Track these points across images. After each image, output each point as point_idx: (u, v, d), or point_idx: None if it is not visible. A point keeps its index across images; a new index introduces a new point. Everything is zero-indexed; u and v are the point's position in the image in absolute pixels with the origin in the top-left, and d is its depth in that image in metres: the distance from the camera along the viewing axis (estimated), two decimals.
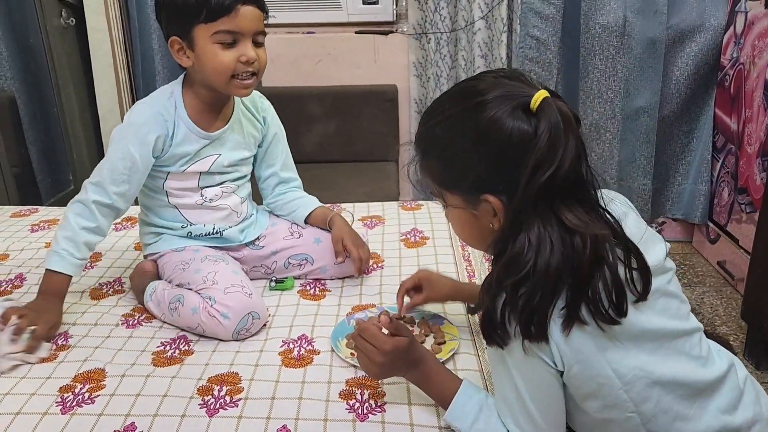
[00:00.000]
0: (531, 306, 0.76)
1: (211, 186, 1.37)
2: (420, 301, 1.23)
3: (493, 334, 0.80)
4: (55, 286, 1.25)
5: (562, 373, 0.81)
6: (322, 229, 1.46)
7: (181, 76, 1.34)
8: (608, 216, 0.81)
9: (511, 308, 0.78)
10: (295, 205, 1.49)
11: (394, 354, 0.95)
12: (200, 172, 1.35)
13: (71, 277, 1.26)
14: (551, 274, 0.76)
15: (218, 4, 1.19)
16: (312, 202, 1.50)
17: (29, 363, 1.14)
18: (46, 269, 1.25)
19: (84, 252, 1.27)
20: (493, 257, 0.85)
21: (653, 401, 0.81)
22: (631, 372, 0.80)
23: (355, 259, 1.38)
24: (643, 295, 0.80)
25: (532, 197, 0.76)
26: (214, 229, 1.39)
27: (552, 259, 0.76)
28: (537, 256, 0.76)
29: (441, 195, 0.89)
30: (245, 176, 1.44)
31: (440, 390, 0.95)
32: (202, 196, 1.37)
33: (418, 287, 1.24)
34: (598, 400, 0.82)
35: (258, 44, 1.26)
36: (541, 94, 0.78)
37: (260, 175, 1.51)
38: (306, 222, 1.48)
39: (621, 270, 0.78)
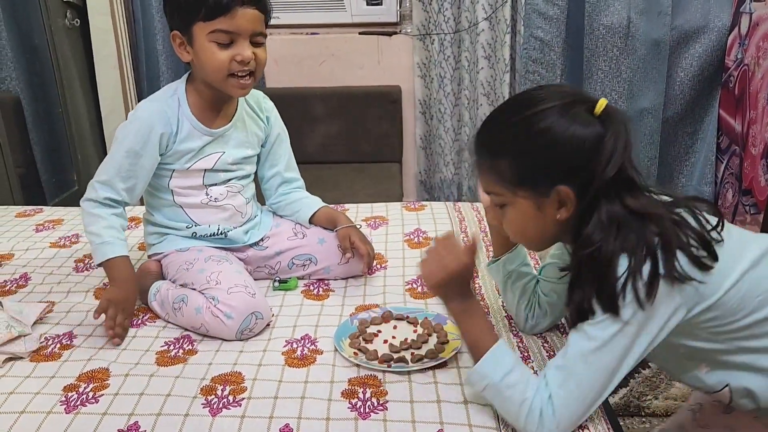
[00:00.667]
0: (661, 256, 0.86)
1: (216, 184, 1.38)
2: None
3: (609, 303, 0.87)
4: (123, 271, 1.27)
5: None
6: (326, 229, 1.46)
7: (185, 75, 1.35)
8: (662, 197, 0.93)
9: (636, 269, 0.85)
10: (299, 205, 1.50)
11: (463, 271, 0.98)
12: (205, 170, 1.35)
13: (128, 256, 1.29)
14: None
15: (216, 3, 1.20)
16: (316, 203, 1.50)
17: (20, 356, 1.15)
18: (103, 262, 1.26)
19: (123, 233, 1.30)
20: (572, 246, 0.94)
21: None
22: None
23: (364, 255, 1.39)
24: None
25: (604, 187, 0.88)
26: (218, 229, 1.40)
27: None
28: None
29: (506, 194, 0.95)
30: (249, 175, 1.45)
31: (478, 334, 0.98)
32: (207, 195, 1.37)
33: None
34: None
35: (257, 44, 1.27)
36: (603, 101, 0.90)
37: (263, 176, 1.51)
38: (310, 222, 1.48)
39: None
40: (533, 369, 1.08)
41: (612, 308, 0.86)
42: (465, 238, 1.63)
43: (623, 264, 0.86)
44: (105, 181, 1.29)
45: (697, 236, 0.89)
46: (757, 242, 0.97)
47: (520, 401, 0.89)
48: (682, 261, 0.87)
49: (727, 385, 0.97)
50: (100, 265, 1.27)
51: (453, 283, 1.00)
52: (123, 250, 1.27)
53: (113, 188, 1.29)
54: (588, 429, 0.95)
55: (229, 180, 1.39)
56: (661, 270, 0.85)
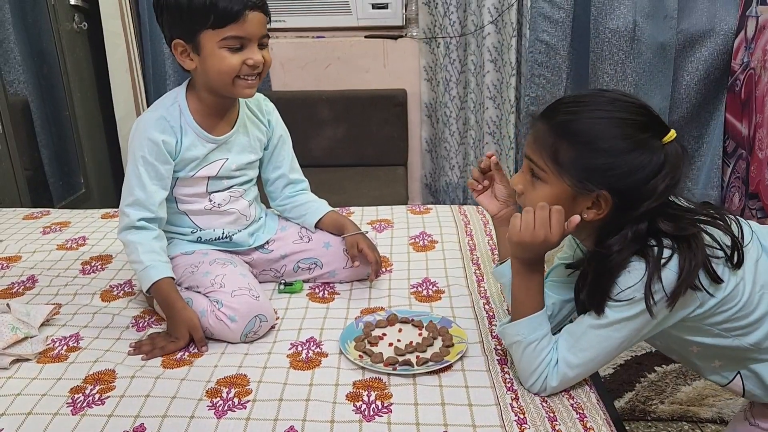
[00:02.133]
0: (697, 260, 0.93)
1: (218, 191, 1.38)
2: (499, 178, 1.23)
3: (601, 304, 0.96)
4: (170, 294, 1.23)
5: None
6: (331, 233, 1.47)
7: (185, 83, 1.35)
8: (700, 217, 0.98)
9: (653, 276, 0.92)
10: (305, 209, 1.50)
11: (550, 245, 1.00)
12: (208, 177, 1.35)
13: (173, 277, 1.26)
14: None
15: (227, 10, 1.20)
16: (322, 207, 1.50)
17: (27, 358, 1.16)
18: (150, 288, 1.23)
19: (164, 255, 1.28)
20: (589, 245, 1.01)
21: None
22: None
23: (372, 263, 1.39)
24: (737, 266, 0.96)
25: (642, 209, 0.93)
26: (223, 233, 1.40)
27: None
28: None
29: (551, 172, 0.98)
30: (252, 180, 1.45)
31: (530, 297, 1.04)
32: (210, 201, 1.37)
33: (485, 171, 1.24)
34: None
35: (262, 46, 1.28)
36: (672, 133, 0.96)
37: (267, 178, 1.51)
38: (316, 227, 1.48)
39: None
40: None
41: (601, 309, 0.96)
42: (490, 240, 1.65)
43: (638, 267, 0.93)
44: (133, 202, 1.27)
45: (723, 248, 0.96)
46: (755, 238, 1.01)
47: (536, 365, 1.01)
48: (701, 275, 0.93)
49: (738, 373, 1.03)
50: (148, 291, 1.25)
51: (533, 249, 1.01)
52: (167, 271, 1.25)
53: (143, 206, 1.27)
54: (593, 430, 0.95)
55: (232, 186, 1.40)
56: (684, 283, 0.92)
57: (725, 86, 2.58)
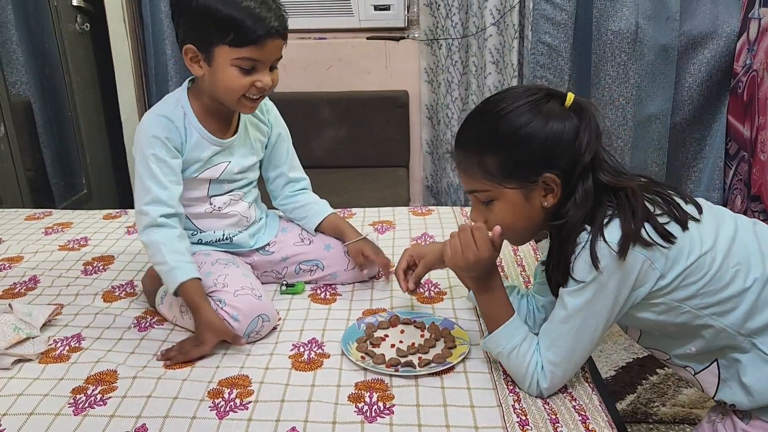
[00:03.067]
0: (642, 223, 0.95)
1: (219, 195, 1.37)
2: (421, 272, 1.26)
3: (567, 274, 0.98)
4: (195, 296, 1.19)
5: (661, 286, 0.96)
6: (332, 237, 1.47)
7: (185, 84, 1.33)
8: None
9: (596, 238, 0.94)
10: (306, 211, 1.49)
11: (486, 262, 1.03)
12: (210, 180, 1.35)
13: (200, 278, 1.23)
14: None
15: (250, 33, 1.17)
16: (322, 210, 1.49)
17: (29, 358, 1.16)
18: (177, 289, 1.20)
19: (189, 255, 1.24)
20: (554, 226, 1.01)
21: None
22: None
23: (382, 266, 1.41)
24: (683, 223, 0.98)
25: (581, 170, 0.97)
26: (224, 235, 1.40)
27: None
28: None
29: (494, 188, 1.01)
30: (253, 182, 1.45)
31: (496, 307, 1.06)
32: (210, 204, 1.37)
33: (412, 265, 1.27)
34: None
35: (272, 67, 1.26)
36: (571, 95, 0.99)
37: (268, 177, 1.50)
38: (316, 230, 1.48)
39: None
40: None
41: (567, 280, 0.98)
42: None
43: (584, 236, 0.95)
44: (151, 200, 1.24)
45: (667, 211, 0.98)
46: (733, 219, 1.03)
47: (524, 369, 1.02)
48: (649, 229, 0.95)
49: (715, 360, 1.01)
50: (175, 293, 1.21)
51: (475, 268, 1.04)
52: (193, 272, 1.21)
53: (162, 203, 1.24)
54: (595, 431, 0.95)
55: (233, 190, 1.39)
56: (630, 232, 0.93)
57: (727, 88, 2.58)
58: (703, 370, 1.03)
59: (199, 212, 1.37)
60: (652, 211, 0.97)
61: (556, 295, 1.05)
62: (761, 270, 0.97)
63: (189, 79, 1.33)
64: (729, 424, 1.03)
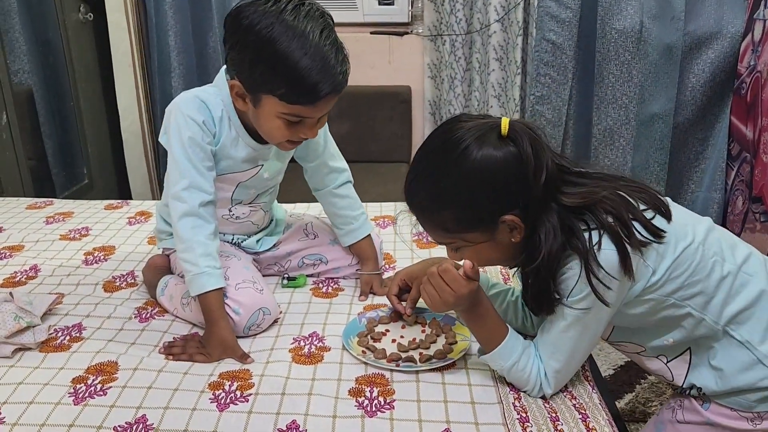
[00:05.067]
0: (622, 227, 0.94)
1: (241, 203, 1.33)
2: (415, 296, 1.23)
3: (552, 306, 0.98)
4: (215, 308, 1.16)
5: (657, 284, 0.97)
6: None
7: (224, 77, 1.20)
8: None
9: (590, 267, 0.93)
10: (345, 225, 1.41)
11: (466, 296, 1.00)
12: (238, 183, 1.29)
13: (223, 287, 1.19)
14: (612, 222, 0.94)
15: (303, 96, 1.08)
16: (361, 231, 1.41)
17: (29, 347, 1.16)
18: (200, 295, 1.16)
19: (218, 260, 1.19)
20: (526, 259, 0.99)
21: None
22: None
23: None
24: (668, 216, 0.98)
25: (540, 198, 0.94)
26: (233, 239, 1.39)
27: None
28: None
29: (456, 240, 1.00)
30: (275, 187, 1.40)
31: (489, 331, 1.04)
32: (230, 212, 1.34)
33: (404, 288, 1.26)
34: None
35: (321, 119, 1.18)
36: (505, 120, 0.94)
37: (306, 167, 1.41)
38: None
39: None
40: None
41: (551, 311, 0.99)
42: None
43: (575, 265, 0.94)
44: (189, 185, 1.17)
45: (650, 204, 0.98)
46: (701, 221, 1.05)
47: (526, 380, 1.02)
48: (639, 228, 0.94)
49: (688, 348, 1.03)
50: (194, 296, 1.18)
51: (458, 303, 1.02)
52: (219, 282, 1.17)
53: (200, 189, 1.18)
54: (595, 430, 0.95)
55: (257, 198, 1.35)
56: (626, 251, 0.92)
57: (731, 89, 2.57)
58: (675, 358, 1.05)
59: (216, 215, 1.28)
60: (636, 206, 0.96)
61: (537, 314, 1.06)
62: (733, 261, 1.00)
63: (225, 69, 1.21)
64: (690, 409, 1.06)
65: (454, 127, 0.97)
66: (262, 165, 1.29)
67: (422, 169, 0.99)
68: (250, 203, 1.35)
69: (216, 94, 1.21)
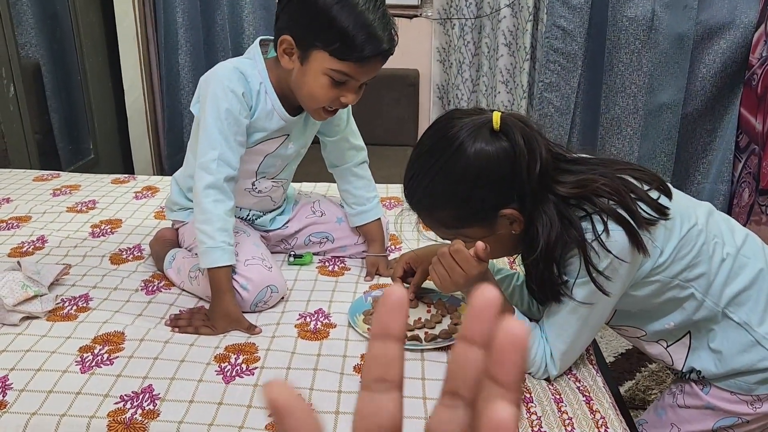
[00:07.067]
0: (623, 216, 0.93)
1: (266, 177, 1.33)
2: (419, 280, 1.23)
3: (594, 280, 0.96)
4: (223, 282, 1.16)
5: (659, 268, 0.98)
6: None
7: (257, 48, 1.22)
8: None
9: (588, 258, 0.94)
10: (357, 207, 1.42)
11: (476, 277, 1.00)
12: (266, 154, 1.28)
13: (233, 264, 1.19)
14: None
15: (357, 50, 1.09)
16: (371, 214, 1.42)
17: (37, 316, 1.16)
18: (210, 268, 1.16)
19: (233, 237, 1.19)
20: (529, 249, 0.98)
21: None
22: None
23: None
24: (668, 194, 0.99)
25: (536, 189, 0.94)
26: (248, 215, 1.39)
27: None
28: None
29: (457, 235, 1.01)
30: (296, 163, 1.40)
31: None
32: (253, 186, 1.33)
33: (408, 272, 1.26)
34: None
35: (362, 85, 1.18)
36: (497, 114, 0.94)
37: (325, 142, 1.41)
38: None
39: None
40: None
41: (557, 299, 0.99)
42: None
43: (576, 253, 0.94)
44: (219, 157, 1.16)
45: (650, 183, 0.98)
46: (701, 204, 1.06)
47: (531, 361, 1.03)
48: (644, 207, 0.95)
49: (688, 332, 1.05)
50: (204, 268, 1.18)
51: (469, 285, 1.02)
52: (230, 259, 1.16)
53: (228, 163, 1.17)
54: (599, 412, 0.95)
55: (282, 171, 1.34)
56: (634, 231, 0.92)
57: (742, 80, 2.55)
58: (675, 342, 1.06)
59: (238, 188, 1.29)
60: (640, 186, 0.97)
61: (542, 302, 1.06)
62: (732, 243, 1.01)
63: (259, 40, 1.23)
64: (690, 394, 1.08)
65: (447, 124, 0.97)
66: (288, 135, 1.29)
67: (418, 169, 0.99)
68: (273, 178, 1.35)
69: (253, 66, 1.21)
